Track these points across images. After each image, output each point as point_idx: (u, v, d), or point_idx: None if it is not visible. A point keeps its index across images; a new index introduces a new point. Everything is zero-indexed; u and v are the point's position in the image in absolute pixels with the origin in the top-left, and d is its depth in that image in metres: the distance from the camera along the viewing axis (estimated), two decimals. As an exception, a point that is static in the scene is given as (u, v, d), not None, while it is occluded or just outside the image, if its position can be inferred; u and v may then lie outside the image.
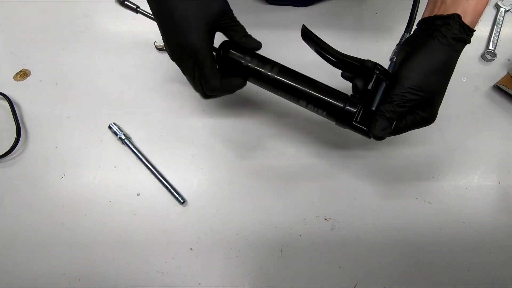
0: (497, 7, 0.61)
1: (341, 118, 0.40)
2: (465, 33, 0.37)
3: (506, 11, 0.61)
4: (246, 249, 0.45)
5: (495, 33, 0.59)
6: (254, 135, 0.52)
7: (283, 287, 0.44)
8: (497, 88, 0.54)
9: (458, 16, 0.37)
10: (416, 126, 0.40)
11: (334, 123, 0.42)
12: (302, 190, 0.48)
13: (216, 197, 0.48)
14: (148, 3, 0.39)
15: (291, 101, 0.43)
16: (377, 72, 0.39)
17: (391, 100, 0.37)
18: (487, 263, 0.45)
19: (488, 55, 0.57)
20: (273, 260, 0.45)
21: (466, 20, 0.37)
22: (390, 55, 0.42)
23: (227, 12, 0.39)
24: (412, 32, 0.42)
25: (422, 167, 0.50)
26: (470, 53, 0.58)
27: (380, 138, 0.38)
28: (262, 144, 0.51)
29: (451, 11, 0.37)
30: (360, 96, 0.40)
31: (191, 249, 0.46)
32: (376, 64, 0.39)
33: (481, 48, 0.58)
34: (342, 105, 0.40)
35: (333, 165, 0.50)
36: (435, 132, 0.52)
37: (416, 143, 0.51)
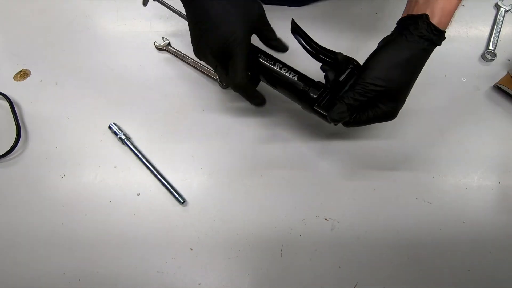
0: (497, 7, 0.61)
1: (304, 100, 0.43)
2: (432, 33, 0.39)
3: (506, 11, 0.61)
4: (246, 249, 0.45)
5: (495, 33, 0.59)
6: (254, 135, 0.52)
7: (283, 287, 0.44)
8: (497, 88, 0.54)
9: (426, 16, 0.39)
10: (378, 120, 0.42)
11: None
12: (302, 190, 0.48)
13: (216, 197, 0.48)
14: None
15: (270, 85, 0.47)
16: (351, 66, 0.41)
17: (353, 88, 0.40)
18: (487, 263, 0.45)
19: (488, 55, 0.57)
20: (273, 260, 0.45)
21: (434, 20, 0.39)
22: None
23: (264, 17, 0.44)
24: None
25: (422, 167, 0.50)
26: (470, 53, 0.58)
27: (336, 121, 0.41)
28: (262, 144, 0.51)
29: (421, 11, 0.39)
30: (331, 86, 0.42)
31: (191, 249, 0.46)
32: (349, 58, 0.42)
33: (481, 48, 0.58)
34: (302, 86, 0.43)
35: (333, 165, 0.50)
36: (435, 132, 0.52)
37: (416, 143, 0.51)
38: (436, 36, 0.39)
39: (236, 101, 0.54)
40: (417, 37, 0.38)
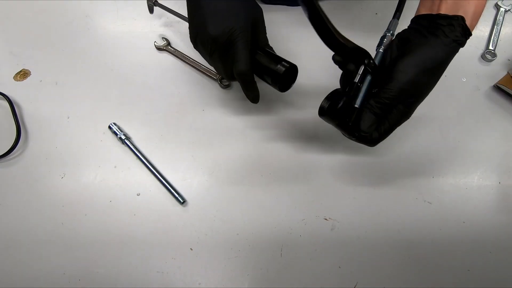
0: (497, 7, 0.61)
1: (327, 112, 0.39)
2: (465, 36, 0.38)
3: (506, 11, 0.61)
4: (246, 249, 0.45)
5: (495, 33, 0.59)
6: (254, 135, 0.52)
7: (283, 287, 0.44)
8: (497, 88, 0.54)
9: (462, 18, 0.37)
10: (396, 125, 0.40)
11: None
12: (302, 190, 0.48)
13: (216, 197, 0.48)
14: None
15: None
16: (366, 62, 0.37)
17: (383, 94, 0.37)
18: (487, 263, 0.45)
19: (488, 55, 0.57)
20: (273, 260, 0.45)
21: (467, 22, 0.37)
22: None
23: (263, 21, 0.45)
24: (407, 26, 0.41)
25: (422, 167, 0.50)
26: (470, 53, 0.58)
27: (366, 135, 0.38)
28: (262, 144, 0.51)
29: (454, 12, 0.37)
30: (349, 88, 0.38)
31: (191, 249, 0.46)
32: (368, 54, 0.38)
33: (481, 48, 0.58)
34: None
35: (333, 165, 0.50)
36: (435, 132, 0.52)
37: (416, 143, 0.51)
38: (467, 39, 0.38)
39: (236, 101, 0.54)
40: (453, 41, 0.37)
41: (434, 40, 0.37)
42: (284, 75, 0.43)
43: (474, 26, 0.39)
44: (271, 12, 0.59)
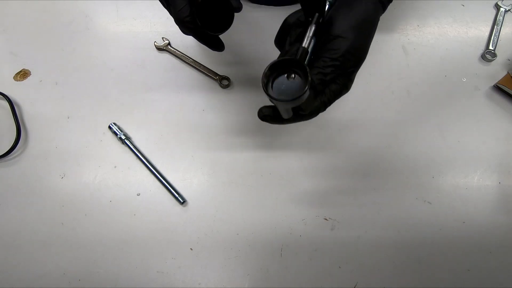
0: (497, 7, 0.61)
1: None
2: (388, 1, 0.37)
3: (506, 11, 0.61)
4: (246, 249, 0.45)
5: (495, 33, 0.59)
6: (254, 135, 0.52)
7: (283, 287, 0.44)
8: (497, 88, 0.54)
9: None
10: (336, 98, 0.36)
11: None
12: (302, 190, 0.48)
13: (216, 197, 0.48)
14: None
15: None
16: (316, 18, 0.33)
17: (324, 63, 0.33)
18: (487, 263, 0.45)
19: (488, 55, 0.57)
20: (273, 260, 0.45)
21: None
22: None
23: None
24: None
25: (422, 167, 0.50)
26: (470, 53, 0.58)
27: (304, 114, 0.35)
28: (262, 144, 0.51)
29: None
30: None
31: (191, 249, 0.46)
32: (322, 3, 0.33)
33: (481, 48, 0.58)
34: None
35: (333, 165, 0.50)
36: (435, 132, 0.52)
37: (416, 143, 0.51)
38: (388, 3, 0.37)
39: (236, 101, 0.54)
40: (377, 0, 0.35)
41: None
42: (205, 2, 0.37)
43: None
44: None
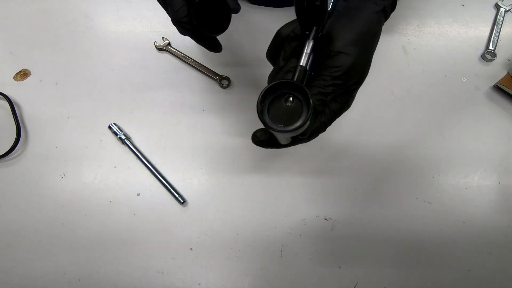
0: (497, 7, 0.61)
1: None
2: (391, 8, 0.34)
3: (506, 11, 0.61)
4: (246, 249, 0.45)
5: (495, 33, 0.59)
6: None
7: (283, 287, 0.44)
8: (497, 88, 0.54)
9: None
10: (337, 117, 0.34)
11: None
12: (302, 190, 0.48)
13: (216, 197, 0.48)
14: None
15: None
16: (314, 33, 0.30)
17: (324, 82, 0.30)
18: (487, 263, 0.45)
19: (488, 55, 0.57)
20: (273, 260, 0.45)
21: None
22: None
23: None
24: None
25: (422, 167, 0.50)
26: (470, 53, 0.58)
27: (304, 138, 0.33)
28: (262, 144, 0.51)
29: None
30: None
31: (191, 249, 0.46)
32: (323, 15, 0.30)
33: (481, 48, 0.58)
34: None
35: (333, 165, 0.50)
36: (435, 132, 0.52)
37: (416, 143, 0.51)
38: (391, 12, 0.35)
39: (236, 101, 0.54)
40: (381, 9, 0.33)
41: (368, 7, 0.32)
42: (202, 3, 0.36)
43: None
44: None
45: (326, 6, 0.29)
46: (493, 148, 0.51)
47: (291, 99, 0.27)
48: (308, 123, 0.26)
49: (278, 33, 0.34)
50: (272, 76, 0.35)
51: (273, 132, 0.28)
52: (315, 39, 0.31)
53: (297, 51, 0.31)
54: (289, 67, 0.32)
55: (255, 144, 0.34)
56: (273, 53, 0.35)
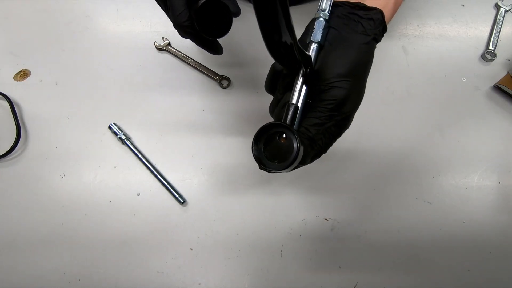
0: (497, 7, 0.61)
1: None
2: (382, 34, 0.34)
3: (506, 11, 0.61)
4: (246, 249, 0.45)
5: (495, 33, 0.59)
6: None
7: (283, 287, 0.44)
8: (497, 88, 0.54)
9: (382, 13, 0.33)
10: (333, 142, 0.35)
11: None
12: (302, 190, 0.48)
13: (216, 197, 0.48)
14: None
15: None
16: (303, 72, 0.31)
17: (320, 113, 0.32)
18: (487, 263, 0.45)
19: (488, 55, 0.57)
20: (273, 260, 0.45)
21: (386, 16, 0.34)
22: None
23: None
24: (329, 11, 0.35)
25: (422, 167, 0.50)
26: (470, 53, 0.58)
27: (303, 165, 0.34)
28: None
29: (373, 4, 0.33)
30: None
31: (191, 249, 0.46)
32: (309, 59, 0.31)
33: (481, 48, 0.58)
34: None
35: (333, 165, 0.50)
36: (435, 132, 0.52)
37: (416, 143, 0.51)
38: (382, 36, 0.35)
39: (236, 101, 0.54)
40: (372, 38, 0.33)
41: (357, 38, 0.33)
42: (203, 7, 0.36)
43: (388, 21, 0.35)
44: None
45: (306, 52, 0.31)
46: (493, 148, 0.51)
47: (284, 135, 0.30)
48: (300, 156, 0.28)
49: (272, 68, 0.36)
50: (273, 106, 0.37)
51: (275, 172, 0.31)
52: (304, 76, 0.32)
53: (291, 86, 0.33)
54: (285, 100, 0.34)
55: (260, 168, 0.34)
56: (270, 86, 0.37)
